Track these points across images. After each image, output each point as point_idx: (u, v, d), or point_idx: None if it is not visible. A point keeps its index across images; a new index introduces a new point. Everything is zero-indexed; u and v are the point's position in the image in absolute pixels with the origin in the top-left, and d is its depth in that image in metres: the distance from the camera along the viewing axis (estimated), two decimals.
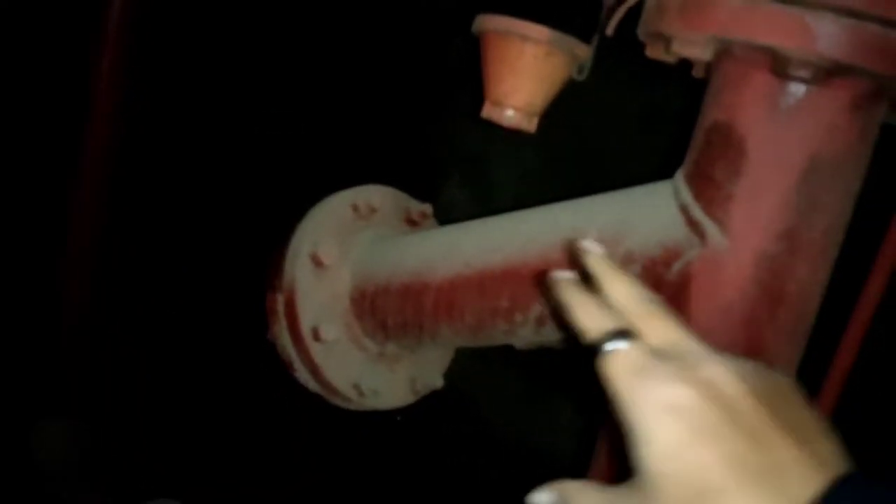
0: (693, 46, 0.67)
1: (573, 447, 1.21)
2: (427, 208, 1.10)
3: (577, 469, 0.71)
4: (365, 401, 1.00)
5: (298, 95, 1.59)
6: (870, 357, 0.81)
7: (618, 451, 0.47)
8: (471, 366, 1.14)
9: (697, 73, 0.73)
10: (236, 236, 1.59)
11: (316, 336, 0.96)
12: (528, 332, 0.81)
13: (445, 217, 1.10)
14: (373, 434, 1.42)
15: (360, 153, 1.52)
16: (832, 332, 0.80)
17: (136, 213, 1.62)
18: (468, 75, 0.91)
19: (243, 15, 1.59)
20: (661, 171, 0.74)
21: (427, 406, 1.08)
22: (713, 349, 0.46)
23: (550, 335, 0.80)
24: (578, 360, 0.49)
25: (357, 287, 0.99)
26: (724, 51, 0.66)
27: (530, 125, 0.86)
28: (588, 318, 0.49)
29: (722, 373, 0.43)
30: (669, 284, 0.69)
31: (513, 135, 0.87)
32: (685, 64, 0.73)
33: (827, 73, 0.61)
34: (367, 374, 1.00)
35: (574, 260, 0.55)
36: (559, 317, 0.51)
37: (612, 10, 0.76)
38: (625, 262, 0.72)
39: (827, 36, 0.59)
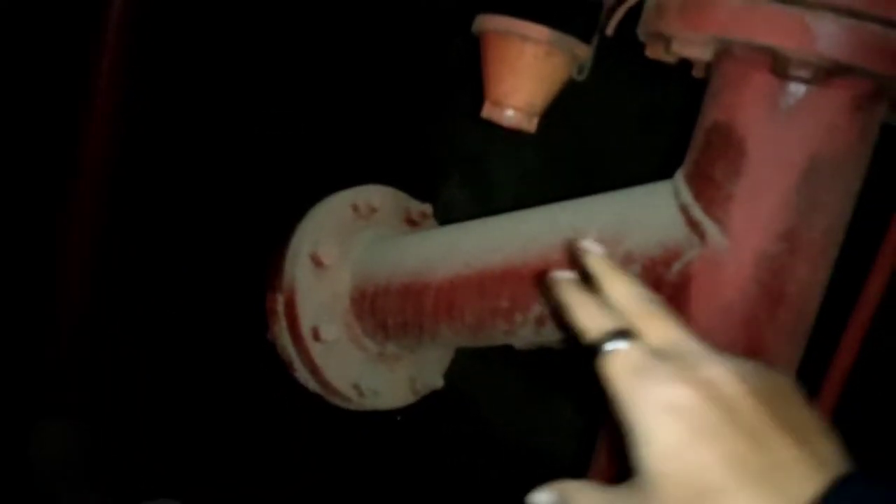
0: (693, 46, 0.67)
1: (573, 447, 1.21)
2: (427, 208, 1.10)
3: (577, 469, 0.72)
4: (365, 401, 1.00)
5: (298, 95, 1.59)
6: (870, 357, 0.81)
7: (618, 451, 0.47)
8: (471, 366, 1.14)
9: (697, 73, 0.73)
10: (236, 236, 1.59)
11: (316, 336, 0.96)
12: (528, 333, 0.81)
13: (445, 217, 1.10)
14: (373, 434, 1.42)
15: (360, 153, 1.52)
16: (832, 332, 0.80)
17: (136, 213, 1.62)
18: (468, 75, 0.91)
19: (243, 15, 1.59)
20: (661, 171, 0.74)
21: (427, 406, 1.08)
22: (713, 349, 0.46)
23: (550, 335, 0.80)
24: (578, 359, 0.49)
25: (357, 287, 0.99)
26: (724, 51, 0.66)
27: (530, 125, 0.86)
28: (588, 318, 0.49)
29: (722, 373, 0.43)
30: (669, 284, 0.69)
31: (513, 135, 0.87)
32: (685, 64, 0.73)
33: (827, 73, 0.61)
34: (367, 374, 1.00)
35: (574, 260, 0.55)
36: (559, 317, 0.51)
37: (612, 10, 0.76)
38: (625, 261, 0.72)
39: (827, 36, 0.59)
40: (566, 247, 0.75)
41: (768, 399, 0.42)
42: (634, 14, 0.73)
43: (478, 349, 0.96)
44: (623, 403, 0.44)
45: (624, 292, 0.50)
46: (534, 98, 0.85)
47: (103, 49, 1.46)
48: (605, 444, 0.76)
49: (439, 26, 1.38)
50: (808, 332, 0.70)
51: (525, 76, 0.83)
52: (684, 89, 0.74)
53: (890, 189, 0.75)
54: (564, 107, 0.87)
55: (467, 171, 1.34)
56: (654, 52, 0.73)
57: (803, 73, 0.61)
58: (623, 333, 0.47)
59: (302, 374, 0.99)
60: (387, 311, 0.96)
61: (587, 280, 0.53)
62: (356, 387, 0.99)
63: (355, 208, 1.02)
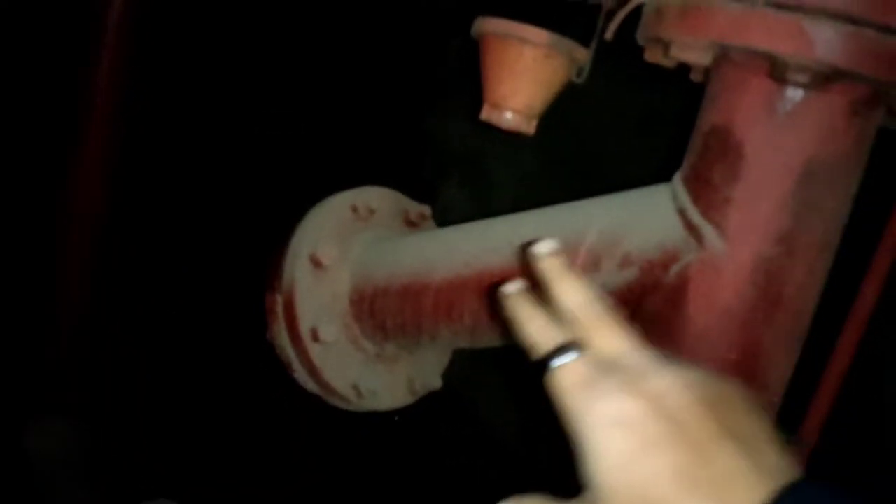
0: (692, 51, 0.67)
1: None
2: (426, 210, 1.10)
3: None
4: (363, 401, 1.00)
5: (298, 96, 1.59)
6: (866, 358, 0.81)
7: None
8: (470, 367, 1.14)
9: (696, 77, 0.74)
10: (236, 237, 1.59)
11: (315, 337, 0.96)
12: None
13: (444, 219, 1.10)
14: (372, 435, 1.43)
15: (360, 154, 1.52)
16: (829, 333, 0.80)
17: (136, 214, 1.62)
18: (467, 77, 0.91)
19: (243, 16, 1.59)
20: (660, 174, 0.74)
21: (426, 407, 1.08)
22: (662, 358, 0.46)
23: None
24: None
25: (356, 288, 0.99)
26: (723, 56, 0.66)
27: (529, 127, 0.86)
28: (536, 332, 0.48)
29: (668, 384, 0.43)
30: (667, 287, 0.70)
31: (512, 137, 0.87)
32: (683, 68, 0.73)
33: (824, 78, 0.61)
34: (366, 375, 1.00)
35: (526, 267, 0.54)
36: (510, 331, 0.51)
37: (611, 13, 0.76)
38: (623, 264, 0.72)
39: (824, 41, 0.60)
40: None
41: (715, 408, 0.42)
42: (633, 18, 0.73)
43: (477, 350, 0.96)
44: (571, 418, 0.44)
45: (573, 300, 0.49)
46: (533, 100, 0.85)
47: (103, 49, 1.46)
48: None
49: (439, 27, 1.39)
50: (805, 333, 0.70)
51: (524, 79, 0.84)
52: (683, 93, 0.74)
53: (886, 192, 0.76)
54: (563, 109, 0.87)
55: (466, 172, 1.34)
56: (652, 56, 0.73)
57: (801, 78, 0.61)
58: (571, 346, 0.47)
59: (301, 375, 1.00)
60: (386, 312, 0.96)
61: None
62: (355, 387, 0.99)
63: (354, 210, 1.02)
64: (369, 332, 0.99)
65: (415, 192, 1.10)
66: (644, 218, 0.74)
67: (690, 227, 0.69)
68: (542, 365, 0.47)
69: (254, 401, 1.57)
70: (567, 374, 0.45)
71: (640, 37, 0.73)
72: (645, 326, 0.72)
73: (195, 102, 1.63)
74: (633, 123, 1.12)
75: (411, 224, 1.09)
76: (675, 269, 0.69)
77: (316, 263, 0.98)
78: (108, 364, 1.60)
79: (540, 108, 0.86)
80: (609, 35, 0.75)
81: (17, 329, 1.57)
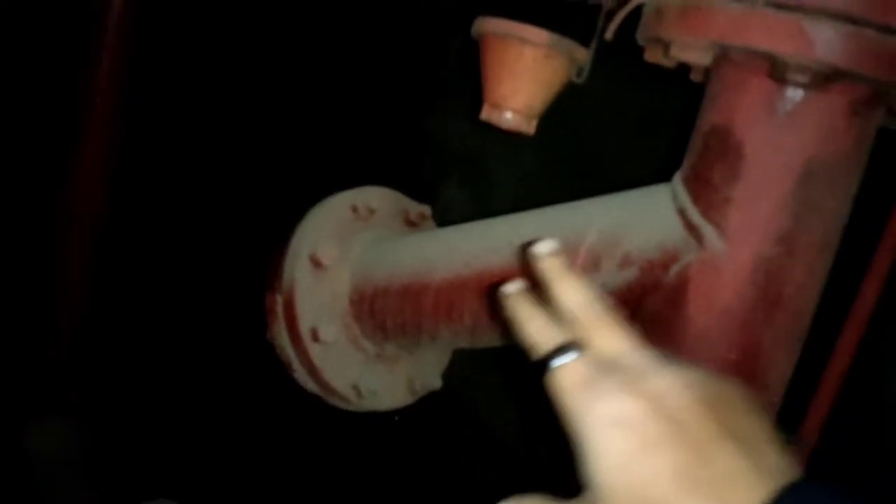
0: (692, 51, 0.67)
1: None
2: (426, 210, 1.10)
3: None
4: (363, 401, 1.00)
5: (298, 96, 1.59)
6: (866, 358, 0.81)
7: None
8: (470, 367, 1.14)
9: (696, 77, 0.74)
10: (236, 237, 1.59)
11: (315, 337, 0.96)
12: None
13: (444, 218, 1.10)
14: (372, 435, 1.43)
15: (359, 154, 1.52)
16: (829, 333, 0.80)
17: (136, 214, 1.62)
18: (467, 76, 0.91)
19: (243, 16, 1.59)
20: (660, 174, 0.74)
21: (426, 407, 1.08)
22: (662, 357, 0.46)
23: None
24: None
25: (356, 288, 0.99)
26: (723, 56, 0.66)
27: (529, 127, 0.86)
28: (536, 333, 0.48)
29: (668, 384, 0.43)
30: (667, 287, 0.70)
31: (512, 137, 0.87)
32: (683, 68, 0.73)
33: (824, 78, 0.61)
34: (366, 375, 1.00)
35: (526, 266, 0.54)
36: (510, 331, 0.51)
37: (611, 13, 0.76)
38: (623, 264, 0.72)
39: (824, 42, 0.60)
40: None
41: (715, 408, 0.42)
42: (633, 18, 0.73)
43: (477, 350, 0.96)
44: (571, 418, 0.44)
45: (573, 300, 0.49)
46: (533, 100, 0.85)
47: (103, 49, 1.46)
48: None
49: (438, 27, 1.39)
50: (805, 333, 0.70)
51: (524, 79, 0.84)
52: (683, 93, 0.74)
53: (886, 192, 0.76)
54: (563, 109, 0.87)
55: (466, 172, 1.35)
56: (652, 56, 0.73)
57: (801, 78, 0.61)
58: (571, 346, 0.47)
59: (301, 375, 1.00)
60: (386, 312, 0.96)
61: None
62: (355, 387, 0.99)
63: (354, 210, 1.02)
64: (369, 332, 0.99)
65: (415, 191, 1.10)
66: (644, 218, 0.74)
67: (690, 227, 0.69)
68: (542, 365, 0.47)
69: (254, 401, 1.57)
70: (567, 374, 0.45)
71: (640, 37, 0.74)
72: (645, 326, 0.72)
73: (195, 102, 1.63)
74: (633, 123, 1.12)
75: (411, 224, 1.09)
76: (675, 269, 0.69)
77: (316, 263, 0.98)
78: (108, 364, 1.60)
79: (540, 108, 0.86)
80: (609, 35, 0.75)
81: (17, 329, 1.57)
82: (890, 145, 0.70)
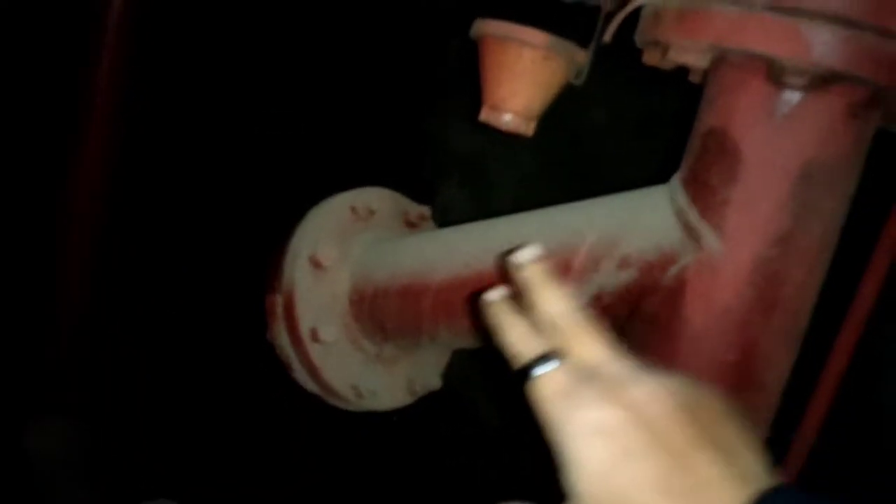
0: (690, 54, 0.68)
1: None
2: (425, 210, 1.11)
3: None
4: (363, 402, 1.00)
5: (298, 96, 1.59)
6: (864, 358, 0.81)
7: None
8: (470, 367, 1.14)
9: (694, 78, 0.74)
10: (236, 237, 1.60)
11: (315, 337, 0.96)
12: None
13: (443, 219, 1.10)
14: (371, 435, 1.43)
15: (359, 155, 1.53)
16: (827, 334, 0.81)
17: (136, 214, 1.62)
18: (467, 77, 0.91)
19: (243, 16, 1.59)
20: (658, 176, 0.75)
21: (426, 407, 1.08)
22: (641, 365, 0.47)
23: None
24: None
25: (356, 289, 0.99)
26: (721, 58, 0.67)
27: (528, 129, 0.86)
28: (518, 342, 0.49)
29: (647, 392, 0.44)
30: (665, 288, 0.70)
31: (511, 138, 0.87)
32: (682, 69, 0.73)
33: (822, 80, 0.61)
34: (366, 376, 1.01)
35: (506, 274, 0.55)
36: (492, 339, 0.51)
37: (610, 15, 0.76)
38: (622, 265, 0.73)
39: (822, 44, 0.60)
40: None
41: (693, 416, 0.43)
42: (632, 19, 0.74)
43: (476, 350, 0.97)
44: (552, 427, 0.45)
45: (553, 309, 0.50)
46: (531, 102, 0.85)
47: (103, 49, 1.47)
48: None
49: (439, 27, 1.39)
50: (803, 334, 0.71)
51: (523, 80, 0.84)
52: (681, 95, 0.74)
53: (884, 194, 0.76)
54: (562, 111, 0.87)
55: (466, 173, 1.35)
56: (651, 58, 0.73)
57: (798, 81, 0.61)
58: (551, 355, 0.47)
59: (301, 375, 1.00)
60: (385, 313, 0.96)
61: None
62: (354, 388, 0.99)
63: (354, 210, 1.03)
64: (369, 332, 0.99)
65: (414, 192, 1.11)
66: (642, 219, 0.74)
67: (688, 229, 0.69)
68: (524, 374, 0.47)
69: (254, 401, 1.58)
70: (547, 384, 0.46)
71: (639, 39, 0.74)
72: (643, 327, 0.73)
73: (195, 102, 1.63)
74: (632, 125, 1.12)
75: (411, 225, 1.09)
76: (673, 271, 0.70)
77: (316, 264, 0.98)
78: (108, 364, 1.60)
79: (539, 109, 0.86)
80: (607, 37, 0.75)
81: (17, 329, 1.57)
82: (888, 147, 0.70)
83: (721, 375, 0.68)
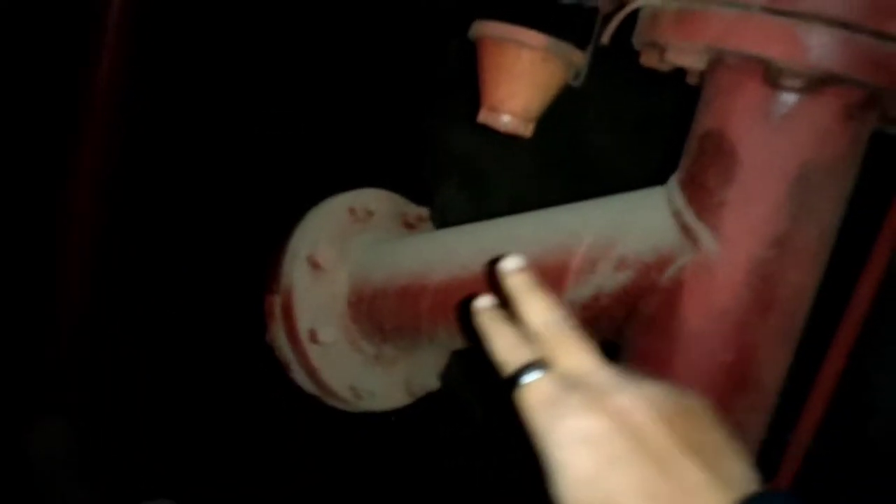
0: (687, 55, 0.68)
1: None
2: (423, 212, 1.11)
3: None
4: (361, 402, 1.01)
5: (297, 96, 1.59)
6: (861, 360, 0.81)
7: None
8: (469, 368, 1.14)
9: (692, 80, 0.74)
10: (235, 238, 1.60)
11: (313, 338, 0.97)
12: None
13: (442, 220, 1.10)
14: (370, 435, 1.43)
15: (358, 155, 1.53)
16: (824, 335, 0.81)
17: (136, 214, 1.62)
18: (466, 77, 0.91)
19: (243, 16, 1.59)
20: (656, 177, 0.75)
21: (425, 408, 1.08)
22: (624, 373, 0.47)
23: None
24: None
25: (354, 290, 0.99)
26: (718, 60, 0.67)
27: (526, 130, 0.86)
28: (505, 350, 0.50)
29: (631, 400, 0.44)
30: (663, 289, 0.70)
31: (509, 139, 0.88)
32: (679, 71, 0.73)
33: (818, 82, 0.61)
34: (364, 376, 1.01)
35: (495, 282, 0.55)
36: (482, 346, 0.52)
37: (608, 17, 0.76)
38: (619, 266, 0.73)
39: (818, 47, 0.60)
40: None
41: (677, 423, 0.44)
42: (630, 21, 0.74)
43: (474, 351, 0.97)
44: (538, 435, 0.46)
45: (538, 319, 0.51)
46: (530, 103, 0.85)
47: (103, 49, 1.47)
48: None
49: (438, 28, 1.39)
50: (799, 334, 0.71)
51: (521, 82, 0.84)
52: (679, 96, 0.75)
53: (881, 195, 0.76)
54: (560, 112, 0.87)
55: (464, 174, 1.35)
56: (648, 60, 0.73)
57: (794, 83, 0.61)
58: (536, 364, 0.48)
59: (299, 376, 1.00)
60: (384, 314, 0.96)
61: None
62: (353, 388, 1.00)
63: (352, 212, 1.03)
64: (368, 333, 1.00)
65: (413, 193, 1.11)
66: (640, 220, 0.74)
67: (685, 230, 0.69)
68: (511, 382, 0.48)
69: (253, 401, 1.58)
70: (533, 393, 0.47)
71: (636, 41, 0.74)
72: (641, 328, 0.73)
73: (195, 102, 1.63)
74: (630, 126, 1.12)
75: (409, 226, 1.09)
76: (670, 272, 0.70)
77: (314, 265, 0.98)
78: (108, 364, 1.61)
79: (537, 111, 0.86)
80: (605, 39, 0.75)
81: (17, 329, 1.57)
82: (884, 148, 0.70)
83: (718, 376, 0.68)
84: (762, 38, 0.61)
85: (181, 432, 1.61)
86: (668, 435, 0.43)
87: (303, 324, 0.97)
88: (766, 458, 0.72)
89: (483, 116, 0.87)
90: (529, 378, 0.47)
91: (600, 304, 0.74)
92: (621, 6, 0.73)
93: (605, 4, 0.79)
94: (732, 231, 0.67)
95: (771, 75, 0.62)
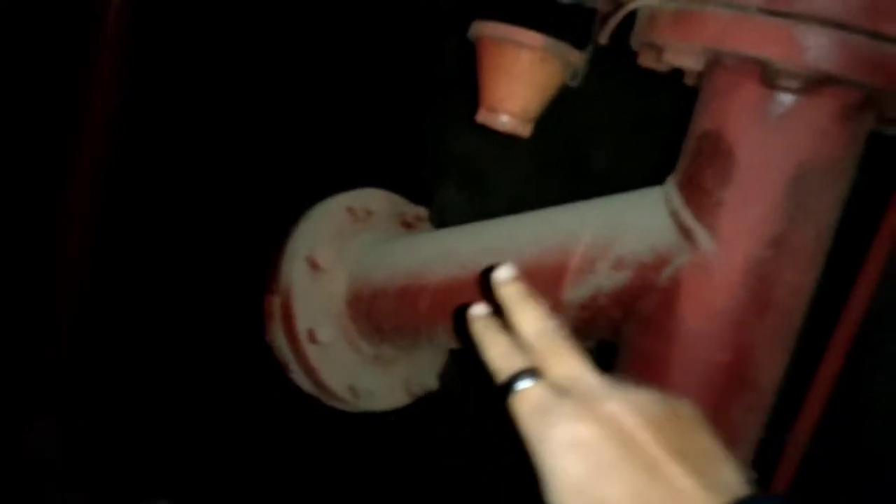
0: (684, 56, 0.68)
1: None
2: (422, 212, 1.11)
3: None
4: (360, 402, 1.01)
5: (296, 96, 1.59)
6: (858, 360, 0.82)
7: None
8: (467, 368, 1.14)
9: (689, 80, 0.74)
10: (234, 238, 1.60)
11: (312, 338, 0.97)
12: None
13: (441, 220, 1.11)
14: (369, 435, 1.43)
15: (357, 156, 1.53)
16: (821, 335, 0.81)
17: (136, 214, 1.63)
18: (465, 77, 0.91)
19: (242, 16, 1.59)
20: (653, 178, 0.75)
21: (424, 408, 1.08)
22: (615, 381, 0.48)
23: None
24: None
25: (353, 290, 1.00)
26: (715, 61, 0.67)
27: (525, 130, 0.87)
28: (498, 358, 0.51)
29: (621, 407, 0.45)
30: (660, 289, 0.70)
31: (508, 139, 0.88)
32: (677, 71, 0.74)
33: (815, 83, 0.62)
34: (363, 376, 1.01)
35: (489, 290, 0.57)
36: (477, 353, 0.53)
37: (606, 18, 0.76)
38: (617, 266, 0.73)
39: (815, 48, 0.60)
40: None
41: (666, 429, 0.44)
42: (628, 22, 0.74)
43: (473, 351, 0.97)
44: (531, 441, 0.46)
45: (530, 328, 0.52)
46: (528, 104, 0.85)
47: (103, 49, 1.47)
48: None
49: (438, 27, 1.39)
50: (796, 334, 0.71)
51: (520, 82, 0.84)
52: (677, 96, 0.75)
53: (877, 196, 0.76)
54: (559, 112, 0.87)
55: (463, 174, 1.35)
56: (646, 60, 0.74)
57: (791, 84, 0.62)
58: (528, 373, 0.49)
59: (298, 376, 1.00)
60: (383, 313, 0.97)
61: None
62: (351, 388, 1.00)
63: (351, 212, 1.03)
64: (366, 333, 1.00)
65: (411, 193, 1.11)
66: (638, 221, 0.74)
67: (683, 230, 0.69)
68: (504, 389, 0.49)
69: (251, 401, 1.58)
70: (525, 400, 0.48)
71: (634, 41, 0.74)
72: (638, 328, 0.73)
73: (194, 102, 1.64)
74: (628, 127, 1.12)
75: (408, 226, 1.09)
76: (667, 272, 0.70)
77: (313, 265, 0.98)
78: (108, 364, 1.61)
79: (535, 111, 0.87)
80: (603, 39, 0.75)
81: (17, 329, 1.57)
82: (881, 149, 0.71)
83: (715, 376, 0.69)
84: (759, 39, 0.62)
85: (181, 432, 1.61)
86: (658, 441, 0.43)
87: (301, 324, 0.97)
88: (763, 459, 0.72)
89: (482, 116, 0.87)
90: (522, 385, 0.48)
91: (598, 304, 0.74)
92: (619, 7, 0.73)
93: (604, 5, 0.79)
94: (730, 231, 0.67)
95: (768, 76, 0.62)
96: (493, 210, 0.94)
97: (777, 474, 0.82)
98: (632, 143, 1.11)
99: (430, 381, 1.08)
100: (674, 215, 0.70)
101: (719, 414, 0.68)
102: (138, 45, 1.50)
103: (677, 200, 0.70)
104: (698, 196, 0.68)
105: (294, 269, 0.97)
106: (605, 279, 0.74)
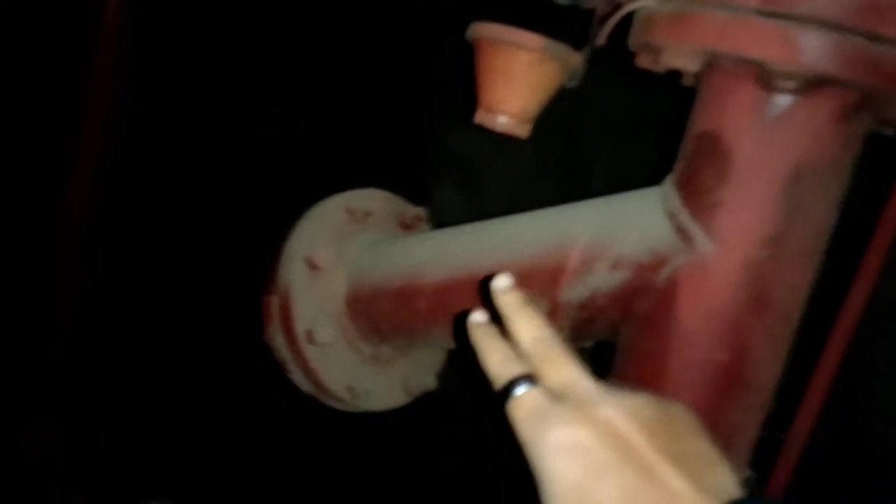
0: (682, 58, 0.68)
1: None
2: (421, 212, 1.11)
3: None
4: (359, 402, 1.01)
5: (295, 96, 1.59)
6: (855, 359, 0.82)
7: None
8: (466, 368, 1.14)
9: (687, 81, 0.74)
10: (234, 238, 1.60)
11: (310, 338, 0.97)
12: None
13: (439, 220, 1.11)
14: (368, 435, 1.43)
15: (355, 156, 1.53)
16: (818, 335, 0.81)
17: (135, 214, 1.63)
18: (463, 77, 0.92)
19: (241, 16, 1.59)
20: (651, 178, 0.75)
21: (423, 408, 1.09)
22: (608, 386, 0.49)
23: None
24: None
25: (351, 290, 1.00)
26: (712, 62, 0.67)
27: (523, 131, 0.87)
28: (496, 365, 0.52)
29: (615, 411, 0.46)
30: (658, 289, 0.71)
31: (506, 139, 0.88)
32: (675, 72, 0.74)
33: (812, 84, 0.62)
34: (361, 376, 1.01)
35: (486, 298, 0.58)
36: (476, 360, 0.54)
37: (605, 19, 0.77)
38: (615, 266, 0.73)
39: (812, 49, 0.61)
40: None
41: (660, 433, 0.45)
42: (626, 22, 0.74)
43: (472, 350, 0.97)
44: (528, 446, 0.47)
45: (527, 336, 0.53)
46: (526, 104, 0.86)
47: (103, 49, 1.47)
48: None
49: (438, 27, 1.39)
50: (794, 334, 0.71)
51: (518, 83, 0.85)
52: (674, 97, 0.75)
53: (875, 196, 0.76)
54: (557, 113, 0.87)
55: (461, 174, 1.35)
56: (644, 61, 0.74)
57: (788, 85, 0.62)
58: (526, 378, 0.50)
59: (297, 376, 1.00)
60: (381, 314, 0.97)
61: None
62: (350, 388, 1.00)
63: (350, 212, 1.03)
64: (365, 333, 1.00)
65: (410, 193, 1.11)
66: (635, 221, 0.74)
67: (680, 231, 0.69)
68: (502, 395, 0.50)
69: (251, 402, 1.58)
70: (522, 405, 0.49)
71: (632, 43, 0.74)
72: (636, 328, 0.73)
73: (193, 102, 1.64)
74: (626, 127, 1.12)
75: (406, 226, 1.10)
76: (665, 272, 0.70)
77: (311, 266, 0.98)
78: (108, 364, 1.61)
79: (534, 111, 0.87)
80: (601, 40, 0.75)
81: (17, 329, 1.57)
82: (878, 149, 0.71)
83: (713, 375, 0.69)
84: (756, 40, 0.62)
85: (180, 432, 1.61)
86: (652, 444, 0.44)
87: (300, 324, 0.97)
88: (761, 458, 0.72)
89: (480, 117, 0.87)
90: (519, 391, 0.49)
91: (596, 304, 0.75)
92: (617, 8, 0.74)
93: (602, 6, 0.79)
94: (727, 231, 0.67)
95: (765, 77, 0.62)
96: (491, 210, 0.94)
97: (775, 473, 0.82)
98: (629, 143, 1.11)
99: (428, 381, 1.08)
100: (671, 216, 0.71)
101: (717, 413, 0.69)
102: (138, 45, 1.50)
103: (675, 201, 0.70)
104: (696, 196, 0.69)
105: (293, 270, 0.97)
106: (603, 279, 0.74)
